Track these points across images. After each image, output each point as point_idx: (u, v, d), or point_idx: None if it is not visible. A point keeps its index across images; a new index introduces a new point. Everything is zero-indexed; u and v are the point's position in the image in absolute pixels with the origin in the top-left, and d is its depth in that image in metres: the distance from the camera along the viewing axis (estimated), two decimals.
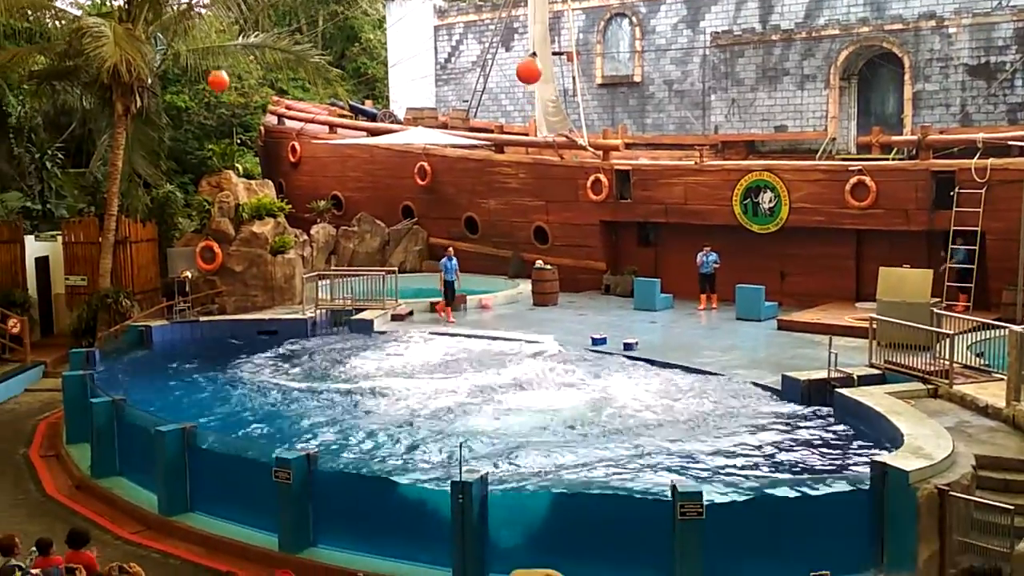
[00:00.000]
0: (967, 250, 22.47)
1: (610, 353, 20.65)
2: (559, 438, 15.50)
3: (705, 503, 10.93)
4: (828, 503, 11.64)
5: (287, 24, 44.19)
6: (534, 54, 27.77)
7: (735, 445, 14.88)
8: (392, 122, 34.97)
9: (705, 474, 13.58)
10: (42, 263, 26.44)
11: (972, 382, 15.61)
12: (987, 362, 16.61)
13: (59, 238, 26.51)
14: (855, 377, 16.42)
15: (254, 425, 16.70)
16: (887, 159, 25.97)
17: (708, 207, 26.17)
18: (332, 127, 34.97)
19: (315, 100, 38.94)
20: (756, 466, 13.93)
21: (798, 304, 24.34)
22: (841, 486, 11.96)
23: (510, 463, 14.22)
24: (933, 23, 27.70)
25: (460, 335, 22.81)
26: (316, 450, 13.42)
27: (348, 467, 13.35)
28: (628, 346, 20.71)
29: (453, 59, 39.97)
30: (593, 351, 20.90)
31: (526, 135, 32.99)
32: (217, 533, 13.45)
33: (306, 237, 28.81)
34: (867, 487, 11.60)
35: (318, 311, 24.43)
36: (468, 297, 26.21)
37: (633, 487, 12.39)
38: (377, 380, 19.28)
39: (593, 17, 35.49)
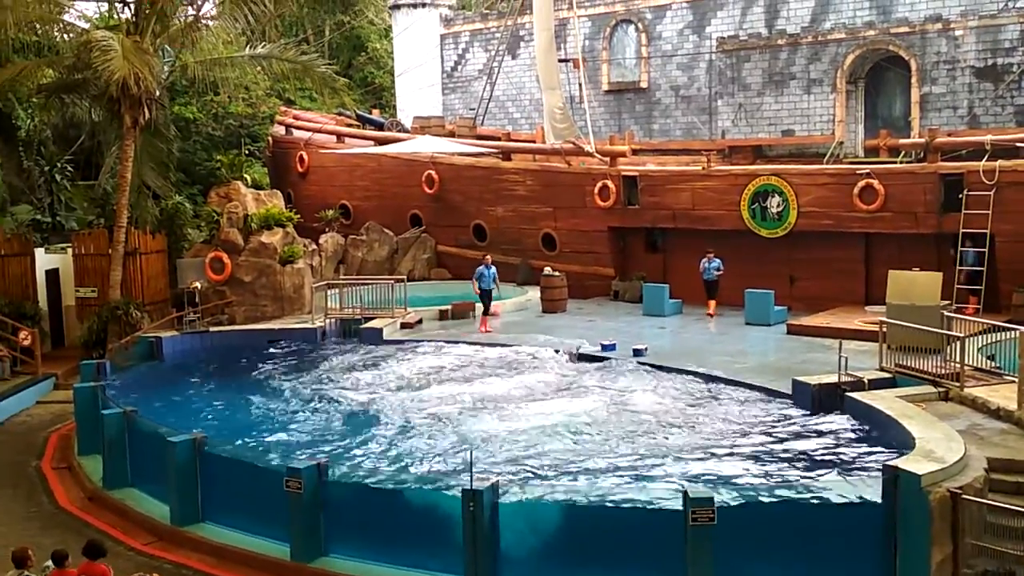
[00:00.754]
0: (976, 252, 22.42)
1: (598, 358, 20.70)
2: (568, 445, 15.48)
3: (716, 508, 10.91)
4: (840, 507, 11.61)
5: (294, 35, 44.31)
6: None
7: (746, 450, 14.86)
8: (399, 131, 35.06)
9: (716, 480, 13.55)
10: (52, 275, 26.54)
11: (983, 385, 15.55)
12: (998, 364, 16.55)
13: (69, 250, 26.62)
14: (866, 381, 16.37)
15: (265, 435, 16.72)
16: (895, 162, 25.93)
17: (716, 212, 26.17)
18: (340, 137, 35.07)
19: (322, 110, 39.03)
20: (767, 471, 13.89)
21: (807, 308, 24.31)
22: (853, 490, 11.93)
23: (520, 470, 14.20)
24: (939, 26, 27.67)
25: (465, 343, 22.82)
26: (327, 459, 13.43)
27: (359, 476, 13.36)
28: (637, 352, 20.69)
29: (459, 67, 40.06)
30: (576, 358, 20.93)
31: (533, 142, 33.03)
32: (229, 543, 13.47)
33: (315, 247, 28.89)
34: (879, 491, 11.57)
35: (327, 320, 24.47)
36: (477, 305, 26.22)
37: (644, 493, 12.38)
38: (387, 388, 19.29)
39: (599, 24, 35.52)
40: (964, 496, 11.16)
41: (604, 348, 21.24)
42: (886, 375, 16.66)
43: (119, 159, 25.25)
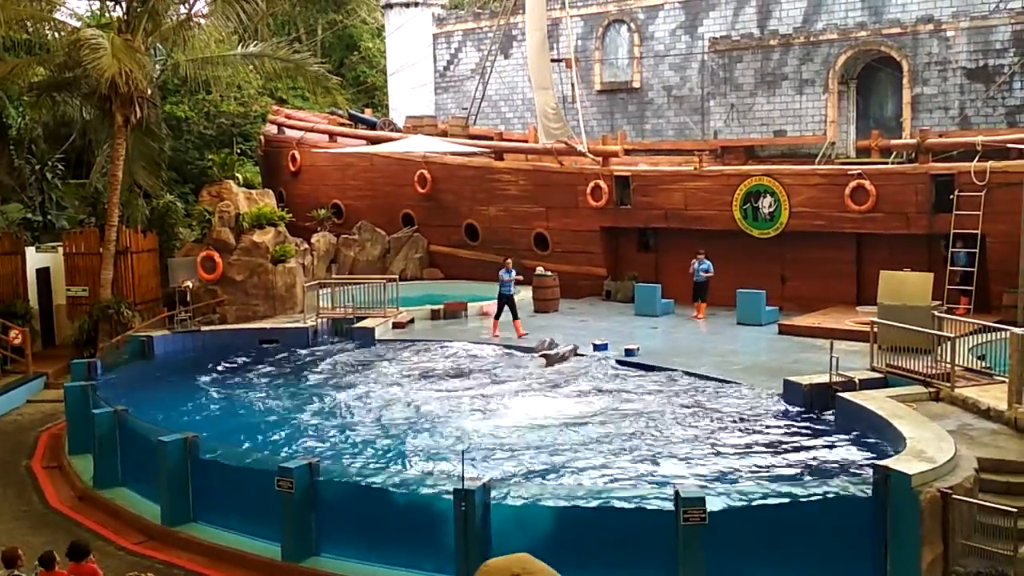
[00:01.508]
0: (967, 253, 22.49)
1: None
2: (560, 444, 15.47)
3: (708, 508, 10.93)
4: (830, 507, 11.64)
5: (286, 33, 44.23)
6: None
7: (737, 450, 14.88)
8: (392, 130, 35.02)
9: (707, 479, 13.57)
10: (43, 274, 26.46)
11: (974, 385, 15.60)
12: (989, 365, 16.60)
13: (60, 249, 26.54)
14: (857, 381, 16.41)
15: (256, 434, 16.68)
16: (886, 163, 26.01)
17: (708, 212, 26.20)
18: (332, 136, 35.03)
19: (315, 109, 38.99)
20: (758, 471, 13.91)
21: (799, 308, 24.36)
22: (844, 490, 11.95)
23: (512, 470, 14.21)
24: (931, 27, 27.73)
25: (456, 343, 22.82)
26: (318, 459, 13.41)
27: (351, 476, 13.35)
28: (629, 352, 20.71)
29: (452, 67, 40.04)
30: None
31: (526, 142, 33.03)
32: (220, 543, 13.43)
33: (307, 246, 28.84)
34: (870, 491, 11.60)
35: (319, 320, 24.43)
36: (469, 304, 26.23)
37: (635, 493, 12.40)
38: (378, 388, 19.27)
39: (591, 23, 35.55)
40: (954, 496, 11.20)
41: (596, 348, 21.25)
42: (877, 375, 16.70)
43: (110, 158, 25.19)
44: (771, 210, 25.21)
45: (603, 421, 16.58)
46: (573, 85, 32.47)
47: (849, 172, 24.55)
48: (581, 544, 11.47)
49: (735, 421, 16.33)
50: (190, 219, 28.24)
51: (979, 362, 16.82)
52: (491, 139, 33.70)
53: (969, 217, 22.35)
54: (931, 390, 15.64)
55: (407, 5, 40.78)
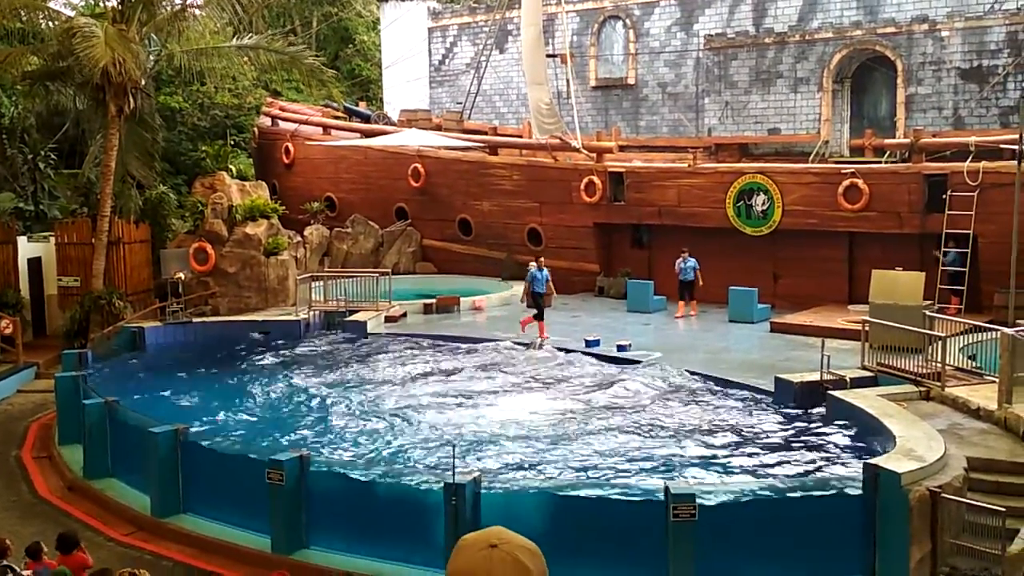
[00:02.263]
0: (959, 253, 22.54)
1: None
2: (551, 439, 15.49)
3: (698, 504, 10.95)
4: (820, 505, 11.67)
5: (281, 25, 44.17)
6: None
7: (727, 447, 14.91)
8: (386, 124, 34.97)
9: (697, 476, 13.60)
10: (35, 264, 26.38)
11: (964, 384, 15.64)
12: (979, 365, 16.65)
13: (52, 239, 26.47)
14: (847, 379, 16.45)
15: (247, 426, 16.68)
16: (880, 162, 26.03)
17: (701, 209, 26.22)
18: (326, 128, 34.97)
19: (309, 102, 38.91)
20: (748, 468, 13.94)
21: (791, 306, 24.37)
22: (833, 488, 11.99)
23: (503, 464, 14.22)
24: (926, 27, 27.77)
25: (448, 336, 22.82)
26: (309, 451, 13.41)
27: (341, 468, 13.34)
28: (621, 347, 20.74)
29: (447, 61, 39.98)
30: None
31: (520, 137, 33.01)
32: (209, 534, 13.43)
33: (299, 238, 28.82)
34: (859, 489, 11.63)
35: (311, 312, 24.40)
36: (462, 299, 26.23)
37: (626, 488, 12.41)
38: (369, 381, 19.26)
39: (587, 19, 35.51)
40: (943, 495, 11.24)
41: (588, 344, 21.27)
42: (868, 374, 16.74)
43: (103, 148, 25.13)
44: (764, 208, 25.23)
45: (593, 416, 16.60)
46: (568, 81, 32.44)
47: (842, 171, 24.58)
48: (571, 538, 11.48)
49: (725, 418, 16.35)
50: (183, 210, 28.20)
51: (969, 362, 16.87)
52: (485, 134, 33.66)
53: (961, 217, 22.40)
54: (922, 389, 15.68)
55: None
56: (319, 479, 12.87)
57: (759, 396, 17.39)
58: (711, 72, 31.44)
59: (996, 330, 15.75)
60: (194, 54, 26.41)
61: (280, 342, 22.93)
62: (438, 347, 22.08)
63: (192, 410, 17.56)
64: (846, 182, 24.02)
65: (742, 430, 15.69)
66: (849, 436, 14.81)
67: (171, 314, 23.72)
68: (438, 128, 33.78)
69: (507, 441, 15.39)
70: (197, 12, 26.52)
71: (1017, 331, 14.71)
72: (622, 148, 30.97)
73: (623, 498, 11.94)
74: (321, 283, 25.53)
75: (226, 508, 13.72)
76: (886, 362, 16.70)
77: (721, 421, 16.20)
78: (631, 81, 34.62)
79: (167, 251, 26.44)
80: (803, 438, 15.15)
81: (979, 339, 17.36)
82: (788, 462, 14.14)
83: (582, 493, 12.16)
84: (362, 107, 37.98)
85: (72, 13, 28.51)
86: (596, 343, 21.28)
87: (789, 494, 11.92)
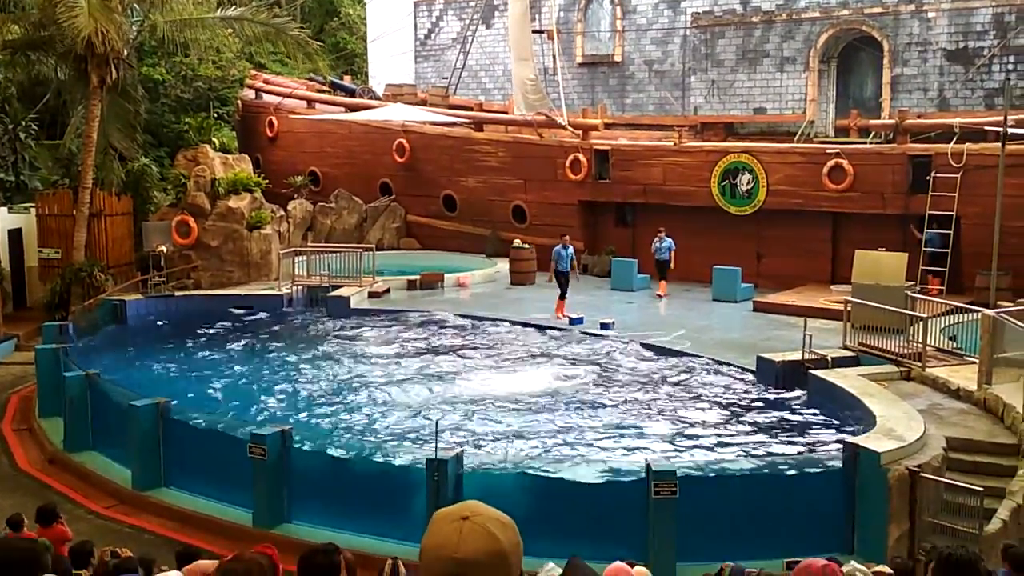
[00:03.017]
0: (941, 234, 22.63)
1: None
2: (533, 416, 15.53)
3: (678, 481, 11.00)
4: (799, 483, 11.74)
5: None
6: None
7: (708, 424, 14.98)
8: (371, 98, 34.76)
9: (678, 454, 13.65)
10: (15, 235, 26.13)
11: (945, 365, 15.76)
12: (960, 345, 16.77)
13: (32, 210, 26.23)
14: (829, 359, 16.52)
15: (228, 400, 16.64)
16: (865, 143, 26.07)
17: (686, 188, 26.21)
18: (310, 102, 34.74)
19: (294, 75, 38.60)
20: (729, 446, 14.01)
21: (774, 286, 24.43)
22: (813, 467, 12.06)
23: (485, 440, 14.24)
24: (912, 7, 27.75)
25: (428, 312, 22.79)
26: (291, 426, 13.39)
27: (323, 444, 13.34)
28: (605, 326, 20.77)
29: (433, 36, 39.72)
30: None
31: (506, 113, 32.87)
32: (190, 508, 13.42)
33: (283, 213, 28.64)
34: (839, 468, 11.70)
35: (294, 287, 24.32)
36: (446, 275, 26.18)
37: (607, 466, 12.46)
38: (352, 357, 19.24)
39: None
40: (922, 474, 11.32)
41: (571, 321, 21.28)
42: (849, 354, 16.83)
43: (85, 119, 24.87)
44: (749, 187, 25.24)
45: (575, 392, 16.65)
46: (555, 57, 32.30)
47: (827, 151, 24.62)
48: (553, 514, 11.52)
49: (707, 396, 16.42)
50: (165, 183, 27.94)
51: (950, 342, 16.99)
52: (471, 109, 33.50)
53: (945, 198, 22.48)
54: (902, 369, 15.78)
55: None
56: (301, 455, 12.86)
57: (741, 375, 17.46)
58: (698, 50, 31.36)
59: (977, 311, 15.84)
60: (178, 25, 26.10)
61: (262, 316, 22.86)
62: (420, 323, 22.01)
63: (173, 383, 17.50)
64: (831, 162, 24.05)
65: (723, 408, 15.76)
66: (829, 415, 14.90)
67: (153, 287, 23.58)
68: (423, 103, 33.60)
69: (489, 417, 15.41)
70: None
71: (998, 312, 14.81)
72: (608, 126, 30.90)
73: (604, 475, 11.98)
74: (304, 258, 25.42)
75: (208, 482, 13.70)
76: (868, 342, 16.79)
77: (702, 398, 16.27)
78: (617, 58, 34.47)
79: (149, 224, 26.23)
80: (784, 417, 15.24)
81: (960, 320, 17.47)
82: (769, 441, 14.22)
83: (563, 470, 12.19)
84: (347, 81, 37.74)
85: None
86: (580, 321, 21.29)
87: (769, 472, 11.99)
